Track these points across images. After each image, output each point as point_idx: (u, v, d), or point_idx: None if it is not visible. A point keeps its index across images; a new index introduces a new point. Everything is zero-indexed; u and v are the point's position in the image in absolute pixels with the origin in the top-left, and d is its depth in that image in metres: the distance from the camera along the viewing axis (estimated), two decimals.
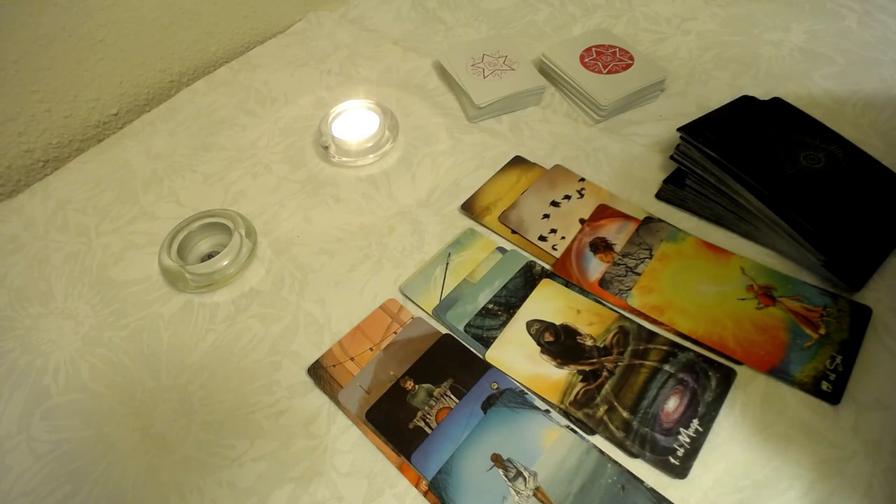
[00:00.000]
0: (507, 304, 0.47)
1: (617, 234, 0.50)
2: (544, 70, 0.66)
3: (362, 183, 0.58)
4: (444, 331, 0.46)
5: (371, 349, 0.45)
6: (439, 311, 0.47)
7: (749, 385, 0.41)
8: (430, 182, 0.57)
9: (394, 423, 0.41)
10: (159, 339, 0.48)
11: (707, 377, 0.41)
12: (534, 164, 0.58)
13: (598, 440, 0.39)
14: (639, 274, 0.47)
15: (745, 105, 0.54)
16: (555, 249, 0.50)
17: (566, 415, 0.41)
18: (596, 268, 0.48)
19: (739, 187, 0.47)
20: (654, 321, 0.45)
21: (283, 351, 0.46)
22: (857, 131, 0.56)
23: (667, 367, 0.42)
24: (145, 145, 0.64)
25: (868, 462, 0.37)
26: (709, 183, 0.49)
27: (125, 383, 0.45)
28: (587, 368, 0.42)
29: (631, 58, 0.63)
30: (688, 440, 0.38)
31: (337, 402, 0.43)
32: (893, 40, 0.66)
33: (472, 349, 0.45)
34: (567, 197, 0.54)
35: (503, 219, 0.53)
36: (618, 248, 0.49)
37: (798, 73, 0.64)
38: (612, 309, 0.46)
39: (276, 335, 0.47)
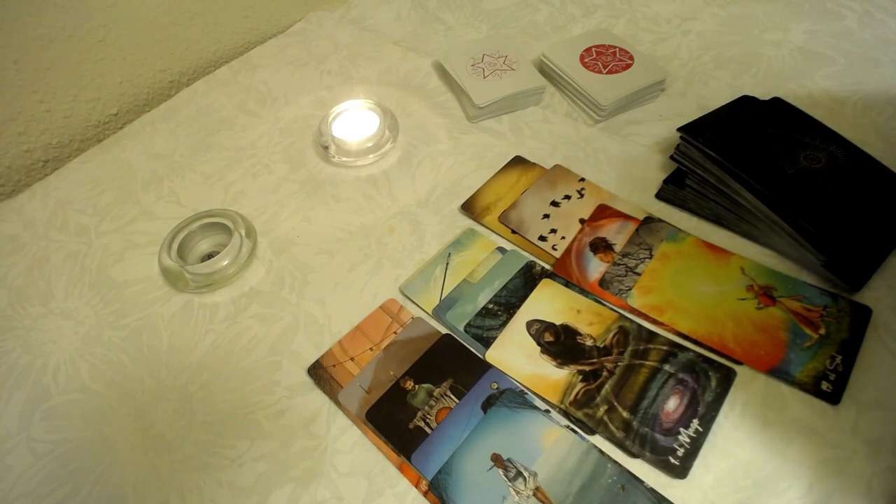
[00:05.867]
0: (507, 304, 0.47)
1: (617, 234, 0.50)
2: (544, 70, 0.66)
3: (362, 183, 0.58)
4: (444, 331, 0.46)
5: (371, 349, 0.45)
6: (439, 311, 0.47)
7: (749, 385, 0.41)
8: (430, 182, 0.57)
9: (394, 423, 0.41)
10: (159, 339, 0.48)
11: (707, 377, 0.41)
12: (534, 164, 0.58)
13: (598, 440, 0.39)
14: (639, 274, 0.47)
15: (745, 105, 0.54)
16: (555, 249, 0.50)
17: (566, 415, 0.41)
18: (596, 268, 0.48)
19: (739, 187, 0.47)
20: (654, 321, 0.45)
21: (283, 351, 0.46)
22: (857, 131, 0.56)
23: (667, 367, 0.42)
24: (145, 145, 0.64)
25: (868, 462, 0.37)
26: (709, 183, 0.49)
27: (125, 383, 0.45)
28: (587, 368, 0.42)
29: (631, 58, 0.63)
30: (688, 440, 0.38)
31: (337, 402, 0.43)
32: (893, 40, 0.66)
33: (472, 349, 0.45)
34: (567, 197, 0.54)
35: (503, 219, 0.53)
36: (618, 248, 0.49)
37: (798, 73, 0.64)
38: (612, 309, 0.46)
39: (276, 335, 0.47)
